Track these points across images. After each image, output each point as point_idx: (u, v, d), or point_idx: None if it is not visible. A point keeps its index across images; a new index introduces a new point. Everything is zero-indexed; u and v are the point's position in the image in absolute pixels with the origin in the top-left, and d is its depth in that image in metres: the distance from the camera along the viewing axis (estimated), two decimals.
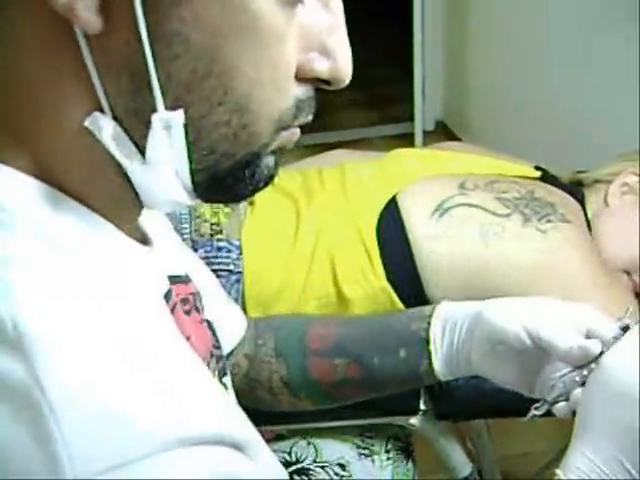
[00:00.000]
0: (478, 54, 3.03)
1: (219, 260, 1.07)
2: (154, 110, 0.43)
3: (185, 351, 0.48)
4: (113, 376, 0.39)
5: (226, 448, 0.42)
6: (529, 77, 2.51)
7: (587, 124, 2.12)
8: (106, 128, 0.44)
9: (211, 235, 1.09)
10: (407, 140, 3.29)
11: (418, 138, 3.27)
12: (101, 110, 0.44)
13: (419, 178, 1.15)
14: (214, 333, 0.69)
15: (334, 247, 1.09)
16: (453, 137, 3.29)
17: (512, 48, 2.63)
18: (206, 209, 1.11)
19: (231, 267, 1.07)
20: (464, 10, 3.08)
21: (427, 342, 0.77)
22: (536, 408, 0.67)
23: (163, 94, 0.43)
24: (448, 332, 0.76)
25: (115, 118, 0.44)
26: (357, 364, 0.80)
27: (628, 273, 1.14)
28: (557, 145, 2.30)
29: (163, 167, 0.45)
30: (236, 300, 1.07)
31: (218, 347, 0.69)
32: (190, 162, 0.46)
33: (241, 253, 1.08)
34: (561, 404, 0.65)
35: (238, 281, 1.07)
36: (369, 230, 1.09)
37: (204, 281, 0.73)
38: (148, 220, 0.58)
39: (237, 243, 1.09)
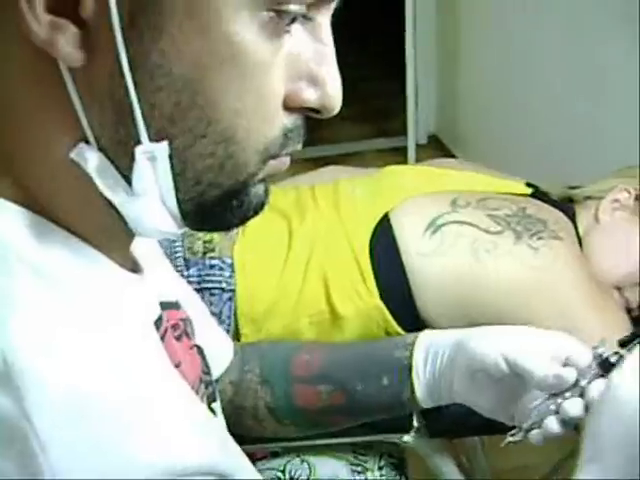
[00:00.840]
0: (470, 68, 3.05)
1: (211, 278, 1.08)
2: (138, 142, 0.43)
3: (173, 381, 0.48)
4: (102, 411, 0.39)
5: (209, 478, 0.43)
6: (521, 91, 2.53)
7: (580, 139, 2.13)
8: (91, 159, 0.44)
9: (204, 253, 1.09)
10: (400, 154, 3.30)
11: (411, 152, 3.28)
12: (87, 141, 0.44)
13: (411, 195, 1.16)
14: (204, 359, 0.69)
15: (327, 264, 1.09)
16: (446, 150, 3.31)
17: (504, 62, 2.65)
18: None
19: (223, 285, 1.07)
20: (456, 24, 3.10)
21: (410, 370, 0.77)
22: (512, 435, 0.67)
23: (147, 126, 0.42)
24: (430, 360, 0.77)
25: (101, 149, 0.44)
26: (341, 391, 0.81)
27: (619, 289, 1.14)
28: (548, 156, 2.31)
29: (149, 197, 0.45)
30: (229, 318, 1.07)
31: (208, 372, 0.69)
32: (177, 192, 0.45)
33: (233, 271, 1.08)
34: (534, 431, 0.66)
35: (231, 299, 1.07)
36: (362, 247, 1.09)
37: (193, 307, 0.73)
38: (139, 246, 0.58)
39: (229, 261, 1.09)
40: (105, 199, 0.46)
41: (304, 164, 1.84)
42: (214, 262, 1.08)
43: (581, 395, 0.64)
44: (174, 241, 1.09)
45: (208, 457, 0.43)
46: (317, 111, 0.48)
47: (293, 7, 0.42)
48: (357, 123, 3.80)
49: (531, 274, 1.03)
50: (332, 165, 1.50)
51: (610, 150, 1.88)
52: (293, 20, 0.44)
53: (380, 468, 1.04)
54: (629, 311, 1.15)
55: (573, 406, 0.63)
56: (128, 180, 0.45)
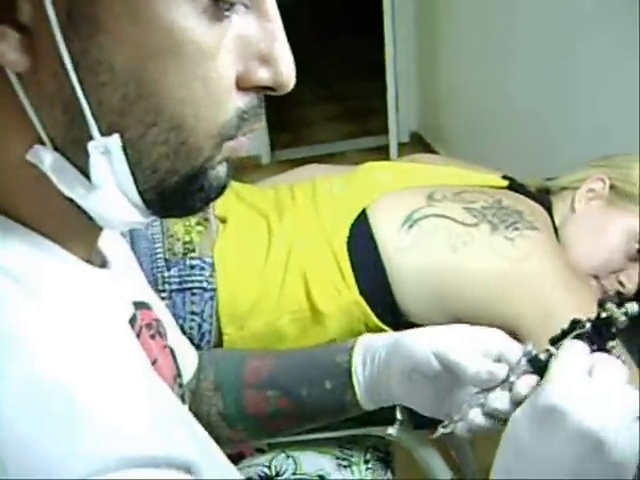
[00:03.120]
0: (450, 65, 3.06)
1: (192, 278, 1.08)
2: (91, 137, 0.43)
3: (142, 374, 0.48)
4: (58, 399, 0.39)
5: (173, 471, 0.42)
6: (500, 86, 2.55)
7: (561, 135, 2.14)
8: (47, 159, 0.44)
9: (184, 254, 1.09)
10: (383, 152, 3.32)
11: (393, 150, 3.30)
12: (42, 142, 0.44)
13: (388, 191, 1.16)
14: (176, 360, 0.70)
15: (306, 261, 1.09)
16: (428, 148, 3.33)
17: (483, 58, 2.67)
18: (179, 228, 1.11)
19: (204, 285, 1.07)
20: (435, 22, 3.12)
21: (350, 374, 0.79)
22: (443, 426, 0.69)
23: (97, 121, 0.43)
24: (369, 363, 0.78)
25: (56, 148, 0.45)
26: (287, 396, 0.83)
27: (596, 278, 1.16)
28: (530, 151, 2.33)
29: (108, 190, 0.46)
30: (210, 317, 1.08)
31: (179, 375, 0.70)
32: (136, 182, 0.46)
33: (214, 270, 1.09)
34: (460, 424, 0.67)
35: (212, 298, 1.07)
36: (340, 243, 1.10)
37: (162, 314, 0.73)
38: (110, 248, 0.59)
39: (209, 260, 1.09)
40: (66, 196, 0.46)
41: (287, 165, 1.85)
42: (194, 262, 1.09)
43: (510, 390, 0.65)
44: (154, 242, 1.09)
45: (172, 449, 0.43)
46: (272, 89, 0.48)
47: None
48: (340, 123, 3.81)
49: (508, 265, 1.04)
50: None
51: (590, 147, 1.89)
52: (232, 4, 0.44)
53: (366, 462, 1.05)
54: None
55: (498, 399, 0.65)
56: (87, 176, 0.45)
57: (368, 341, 0.80)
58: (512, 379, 0.65)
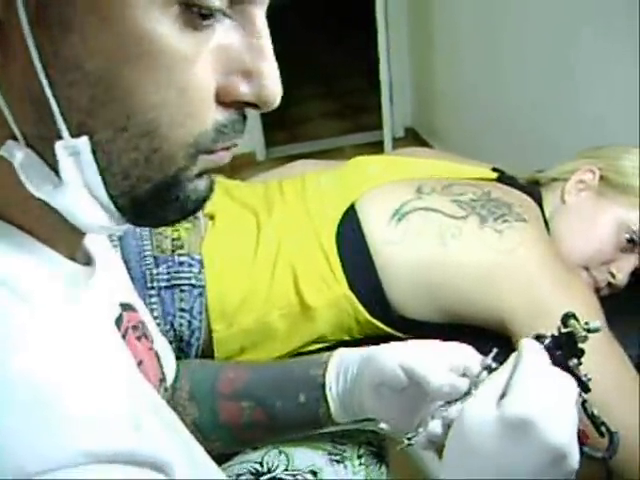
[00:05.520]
0: (444, 60, 3.06)
1: (181, 275, 1.07)
2: (60, 137, 0.43)
3: (120, 372, 0.48)
4: (36, 396, 0.39)
5: (141, 468, 0.42)
6: (496, 81, 2.54)
7: (556, 126, 2.14)
8: (18, 156, 0.44)
9: (172, 251, 1.08)
10: (378, 148, 3.32)
11: (388, 145, 3.30)
12: (16, 138, 0.44)
13: (377, 185, 1.16)
14: (160, 364, 0.71)
15: (295, 256, 1.09)
16: (423, 143, 3.32)
17: (478, 53, 2.66)
18: None
19: (193, 281, 1.07)
20: (429, 18, 3.11)
21: (323, 388, 0.80)
22: (408, 438, 0.70)
23: (66, 121, 0.42)
24: (342, 378, 0.80)
25: (29, 145, 0.44)
26: (262, 408, 0.84)
27: (587, 269, 1.15)
28: (521, 145, 2.32)
29: (76, 190, 0.45)
30: (200, 314, 1.07)
31: (164, 379, 0.71)
32: (107, 187, 0.45)
33: (203, 267, 1.08)
34: (420, 436, 0.68)
35: (201, 295, 1.07)
36: (329, 238, 1.10)
37: (145, 317, 0.73)
38: (96, 248, 0.59)
39: (198, 257, 1.09)
40: None
41: (281, 162, 1.84)
42: (183, 259, 1.08)
43: None
44: (142, 239, 1.08)
45: (142, 446, 0.43)
46: (255, 105, 0.47)
47: (209, 2, 0.42)
48: (335, 119, 3.81)
49: (496, 257, 1.03)
50: None
51: (588, 141, 1.89)
52: (211, 14, 0.43)
53: (359, 457, 1.04)
54: (597, 291, 1.16)
55: (456, 410, 0.66)
56: (57, 173, 0.44)
57: (342, 355, 0.81)
58: (474, 392, 0.67)
